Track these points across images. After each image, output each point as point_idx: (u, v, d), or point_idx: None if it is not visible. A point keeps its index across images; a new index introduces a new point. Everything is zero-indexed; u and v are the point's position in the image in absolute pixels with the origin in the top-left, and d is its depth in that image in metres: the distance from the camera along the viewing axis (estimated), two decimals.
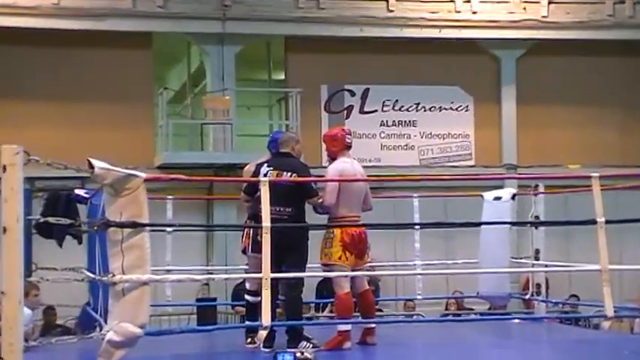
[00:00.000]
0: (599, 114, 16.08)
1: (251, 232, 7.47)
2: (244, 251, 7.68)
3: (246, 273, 7.78)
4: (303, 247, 7.14)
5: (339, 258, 7.16)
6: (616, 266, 7.00)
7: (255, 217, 7.28)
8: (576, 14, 15.73)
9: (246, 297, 7.64)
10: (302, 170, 7.25)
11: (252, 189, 7.24)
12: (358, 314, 7.62)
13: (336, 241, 7.17)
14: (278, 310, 7.23)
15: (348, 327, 7.22)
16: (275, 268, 6.39)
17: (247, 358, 7.18)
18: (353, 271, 7.21)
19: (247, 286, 7.71)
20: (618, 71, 16.31)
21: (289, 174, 7.13)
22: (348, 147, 7.49)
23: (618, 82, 16.28)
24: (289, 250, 6.91)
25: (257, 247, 7.09)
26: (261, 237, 6.50)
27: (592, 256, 6.80)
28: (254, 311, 7.26)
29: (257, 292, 7.13)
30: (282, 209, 6.92)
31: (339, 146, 7.45)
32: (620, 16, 15.82)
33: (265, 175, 7.08)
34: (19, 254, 4.93)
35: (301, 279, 7.16)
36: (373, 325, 7.49)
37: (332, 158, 7.48)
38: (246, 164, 7.96)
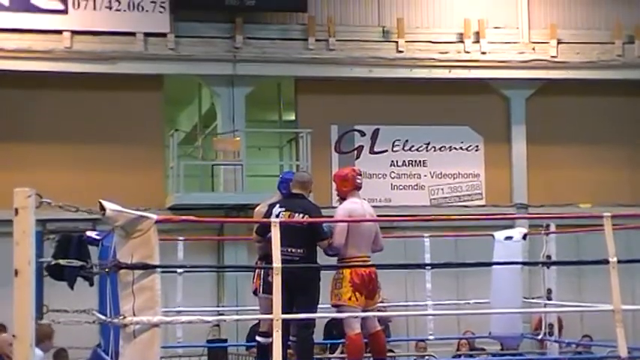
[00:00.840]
0: (610, 153, 16.05)
1: (262, 273, 7.46)
2: (255, 292, 7.67)
3: (258, 314, 7.76)
4: (314, 287, 7.13)
5: (349, 299, 7.15)
6: (629, 306, 6.96)
7: (267, 257, 7.25)
8: (586, 54, 15.77)
9: (258, 338, 7.61)
10: (314, 211, 7.27)
11: (264, 230, 7.24)
12: (369, 355, 7.58)
13: (345, 282, 7.17)
14: (289, 351, 7.20)
15: None
16: (286, 308, 6.38)
17: None
18: (364, 311, 7.18)
19: (262, 327, 7.68)
20: (628, 110, 16.31)
21: (301, 215, 7.14)
22: (358, 187, 7.51)
23: (628, 121, 16.27)
24: (300, 291, 6.90)
25: (268, 287, 7.08)
26: (272, 278, 6.48)
27: (604, 295, 6.77)
28: (266, 353, 7.23)
29: (268, 334, 7.06)
30: (293, 250, 6.93)
31: (349, 187, 7.46)
32: (630, 56, 15.84)
33: (277, 216, 7.09)
34: (31, 297, 4.92)
35: (313, 320, 7.15)
36: None
37: (342, 198, 7.50)
38: (256, 205, 7.99)
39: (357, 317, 7.18)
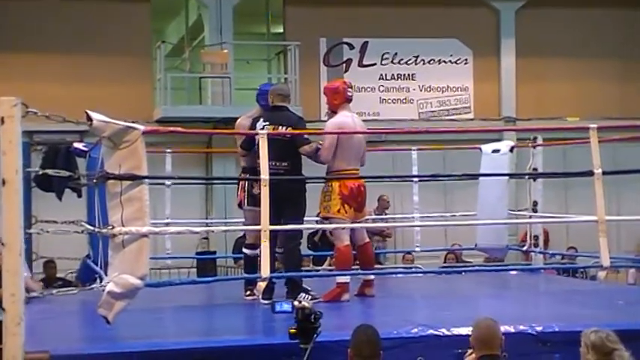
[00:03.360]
0: (599, 66, 16.03)
1: (246, 185, 7.49)
2: (240, 205, 7.71)
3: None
4: (300, 199, 7.19)
5: (338, 211, 7.18)
6: (612, 217, 7.03)
7: (251, 170, 7.35)
8: None
9: (245, 250, 7.68)
10: (298, 123, 7.28)
11: (249, 143, 7.28)
12: (357, 266, 7.66)
13: (334, 194, 7.19)
14: (276, 262, 7.27)
15: (347, 279, 7.27)
16: (273, 220, 6.42)
17: (246, 309, 7.24)
18: (352, 223, 7.24)
19: (248, 239, 7.76)
20: (618, 23, 16.24)
21: (285, 127, 7.14)
22: (349, 100, 7.46)
23: (617, 34, 16.21)
24: (287, 203, 6.95)
25: (253, 200, 7.26)
26: (256, 190, 6.77)
27: (590, 208, 6.83)
28: (253, 264, 7.32)
29: (255, 245, 7.19)
30: (278, 163, 6.93)
31: (340, 99, 7.41)
32: None
33: (262, 130, 7.10)
34: (19, 206, 4.96)
35: (300, 231, 7.21)
36: (372, 277, 7.54)
37: (332, 111, 7.46)
38: (254, 118, 7.92)
39: (345, 229, 7.23)
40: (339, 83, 7.58)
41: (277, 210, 6.62)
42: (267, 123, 7.23)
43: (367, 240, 7.52)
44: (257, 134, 6.76)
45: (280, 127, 7.14)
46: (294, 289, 7.06)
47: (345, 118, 7.36)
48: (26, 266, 8.52)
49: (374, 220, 13.16)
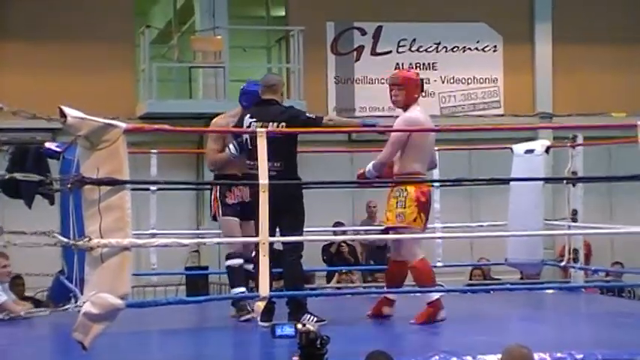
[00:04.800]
0: None
1: (218, 194, 7.74)
2: (215, 217, 7.88)
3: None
4: (298, 206, 7.21)
5: (414, 220, 7.14)
6: None
7: (224, 177, 7.74)
8: None
9: (227, 262, 7.84)
10: (291, 117, 7.26)
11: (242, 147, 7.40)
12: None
13: (410, 201, 7.12)
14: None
15: (437, 295, 7.26)
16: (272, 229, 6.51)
17: (243, 333, 7.26)
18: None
19: (228, 250, 7.92)
20: None
21: (275, 124, 7.16)
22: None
23: None
24: (283, 210, 6.94)
25: (227, 210, 7.65)
26: (230, 199, 7.41)
27: (639, 217, 6.83)
28: (239, 276, 7.61)
29: (237, 255, 7.61)
30: (270, 164, 6.89)
31: (418, 93, 7.38)
32: None
33: (248, 127, 7.21)
34: None
35: (300, 244, 7.22)
36: (393, 296, 7.53)
37: (403, 105, 7.36)
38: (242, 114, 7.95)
39: (418, 242, 7.25)
40: (415, 74, 7.51)
41: (272, 218, 6.57)
42: (254, 120, 7.25)
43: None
44: (254, 132, 6.75)
45: (271, 125, 7.15)
46: (298, 310, 7.06)
47: (422, 115, 7.35)
48: (6, 288, 8.59)
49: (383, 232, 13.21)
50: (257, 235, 6.40)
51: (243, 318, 7.57)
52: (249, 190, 7.25)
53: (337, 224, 12.83)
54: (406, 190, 7.12)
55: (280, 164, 6.99)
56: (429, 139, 7.35)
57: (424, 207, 7.19)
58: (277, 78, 7.93)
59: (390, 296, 7.55)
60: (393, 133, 7.26)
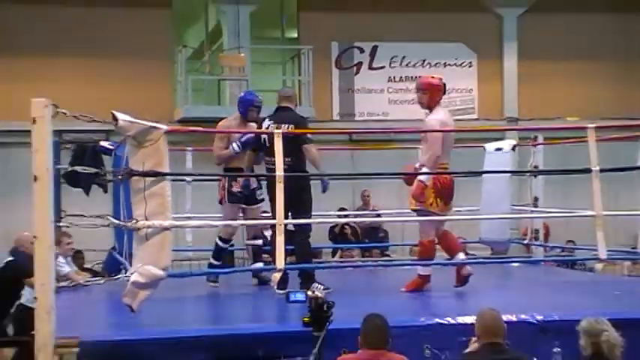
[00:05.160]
0: (597, 68, 15.98)
1: (226, 184, 7.76)
2: (221, 202, 7.91)
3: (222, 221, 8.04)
4: (305, 196, 7.22)
5: (431, 204, 7.03)
6: (609, 212, 7.01)
7: (231, 170, 7.75)
8: None
9: (218, 242, 8.00)
10: (300, 121, 7.37)
11: (250, 144, 7.53)
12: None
13: (429, 188, 7.01)
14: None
15: (429, 271, 7.22)
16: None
17: (262, 299, 7.26)
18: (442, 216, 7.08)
19: (222, 234, 8.01)
20: (615, 27, 16.19)
21: (288, 126, 7.20)
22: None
23: (615, 38, 16.16)
24: (292, 199, 6.95)
25: (232, 197, 7.70)
26: (235, 188, 7.45)
27: (588, 204, 6.82)
28: (221, 256, 7.87)
29: (227, 241, 7.89)
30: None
31: (440, 96, 7.20)
32: None
33: (267, 129, 7.25)
34: (50, 201, 5.00)
35: (308, 226, 7.24)
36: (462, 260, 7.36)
37: (428, 107, 7.20)
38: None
39: (433, 224, 7.12)
40: (437, 80, 7.25)
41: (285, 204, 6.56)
42: (272, 122, 7.31)
43: (446, 229, 7.41)
44: (272, 133, 6.77)
45: (284, 126, 7.19)
46: (307, 280, 7.09)
47: (445, 115, 7.21)
48: (69, 261, 8.63)
49: (376, 216, 13.23)
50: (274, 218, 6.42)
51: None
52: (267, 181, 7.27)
53: (341, 209, 12.83)
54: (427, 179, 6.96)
55: (290, 159, 6.98)
56: (452, 135, 7.20)
57: (440, 192, 7.03)
58: (291, 90, 7.98)
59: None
60: (430, 133, 7.04)
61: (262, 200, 7.85)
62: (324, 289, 6.85)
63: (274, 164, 6.49)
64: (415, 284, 7.19)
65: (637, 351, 4.77)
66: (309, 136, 7.30)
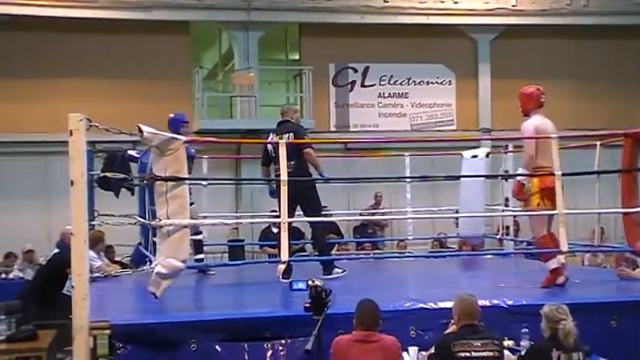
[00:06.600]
0: (558, 86, 15.88)
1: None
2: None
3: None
4: (312, 194, 7.24)
5: (538, 205, 6.66)
6: (570, 210, 7.02)
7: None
8: (540, 3, 15.74)
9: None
10: (298, 131, 7.41)
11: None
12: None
13: (534, 189, 6.67)
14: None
15: (557, 263, 6.56)
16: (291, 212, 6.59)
17: (269, 287, 7.25)
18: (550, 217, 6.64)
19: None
20: (571, 51, 16.28)
21: (288, 135, 7.23)
22: (541, 105, 6.89)
23: (570, 60, 16.25)
24: (300, 198, 6.99)
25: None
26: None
27: None
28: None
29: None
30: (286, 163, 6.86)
31: (533, 104, 6.85)
32: (577, 4, 15.82)
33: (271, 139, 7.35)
34: (84, 202, 5.01)
35: (322, 221, 7.30)
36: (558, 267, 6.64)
37: (525, 114, 6.91)
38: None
39: (542, 221, 6.68)
40: (534, 89, 6.86)
41: (291, 203, 6.57)
42: (274, 134, 7.42)
43: (552, 232, 6.81)
44: (277, 144, 6.80)
45: (285, 135, 7.23)
46: (328, 267, 7.29)
47: (542, 120, 6.86)
48: (101, 255, 8.63)
49: (373, 214, 13.26)
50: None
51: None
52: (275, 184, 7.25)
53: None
54: (531, 181, 6.67)
55: (293, 162, 7.03)
56: (550, 140, 6.71)
57: (545, 193, 6.61)
58: (292, 107, 7.88)
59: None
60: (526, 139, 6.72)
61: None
62: (342, 272, 7.19)
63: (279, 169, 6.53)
64: (549, 280, 6.60)
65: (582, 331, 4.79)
66: (309, 144, 7.32)
